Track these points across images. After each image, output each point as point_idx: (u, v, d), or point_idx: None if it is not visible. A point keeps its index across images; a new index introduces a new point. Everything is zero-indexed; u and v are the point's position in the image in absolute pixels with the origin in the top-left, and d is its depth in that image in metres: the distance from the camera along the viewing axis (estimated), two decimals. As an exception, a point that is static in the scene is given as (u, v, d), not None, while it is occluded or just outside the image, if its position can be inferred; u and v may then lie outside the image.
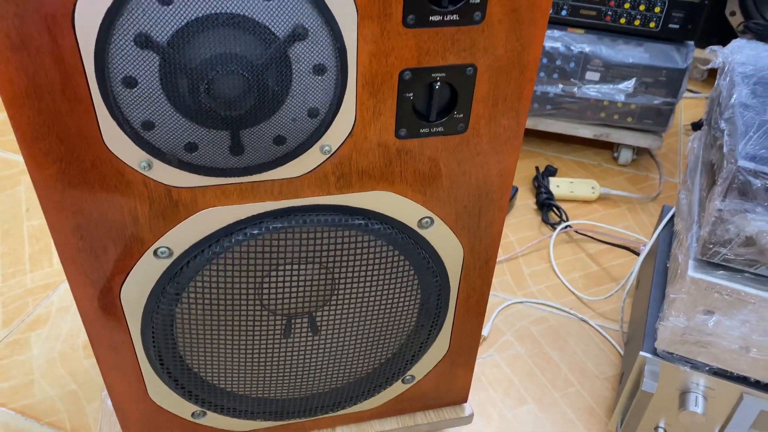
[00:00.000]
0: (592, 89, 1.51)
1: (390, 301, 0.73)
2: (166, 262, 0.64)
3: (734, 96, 0.77)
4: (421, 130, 0.62)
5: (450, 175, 0.66)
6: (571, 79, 1.50)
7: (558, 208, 1.48)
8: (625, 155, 1.63)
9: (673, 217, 1.02)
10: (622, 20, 1.44)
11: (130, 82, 0.52)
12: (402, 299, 0.73)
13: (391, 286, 0.72)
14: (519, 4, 0.56)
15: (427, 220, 0.68)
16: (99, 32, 0.49)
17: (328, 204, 0.65)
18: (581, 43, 1.47)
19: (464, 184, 0.67)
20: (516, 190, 1.50)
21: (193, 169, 0.58)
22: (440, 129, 0.63)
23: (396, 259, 0.69)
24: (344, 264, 0.68)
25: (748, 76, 0.82)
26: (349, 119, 0.59)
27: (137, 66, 0.51)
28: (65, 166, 0.56)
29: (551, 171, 1.60)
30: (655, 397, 0.84)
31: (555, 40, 1.48)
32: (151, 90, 0.52)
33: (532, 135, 1.69)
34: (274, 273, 0.66)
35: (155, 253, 0.63)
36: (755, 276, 0.72)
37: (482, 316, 0.81)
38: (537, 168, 1.59)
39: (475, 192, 0.68)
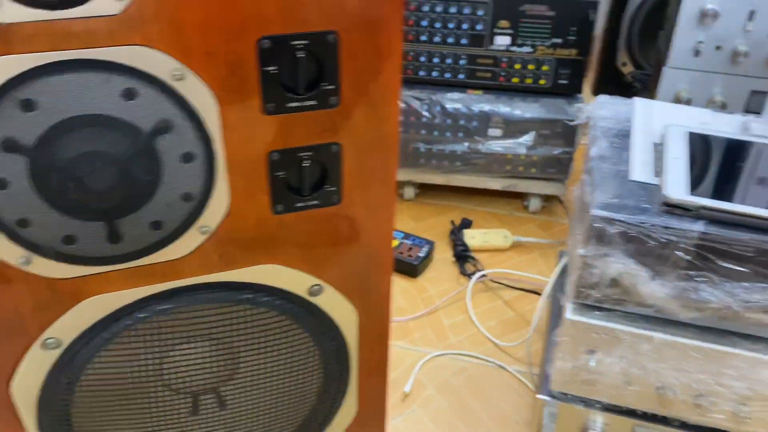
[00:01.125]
0: (496, 144, 1.59)
1: (292, 369, 0.75)
2: (56, 353, 0.65)
3: (594, 149, 0.84)
4: (297, 205, 0.66)
5: (332, 243, 0.70)
6: (475, 137, 1.59)
7: (473, 258, 1.53)
8: (534, 203, 1.71)
9: (567, 261, 1.08)
10: (515, 80, 1.54)
11: (1, 184, 0.54)
12: (304, 366, 0.76)
13: (291, 355, 0.74)
14: (370, 89, 0.62)
15: (317, 287, 0.71)
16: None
17: (214, 282, 0.67)
18: (481, 103, 1.56)
19: (347, 250, 0.71)
20: (432, 244, 1.56)
21: (73, 260, 0.60)
22: (315, 202, 0.67)
23: (291, 328, 0.72)
24: (241, 338, 0.70)
25: (608, 129, 0.90)
26: (224, 200, 0.63)
27: (6, 168, 0.54)
28: (-58, 268, 0.57)
29: (466, 224, 1.66)
30: (557, 438, 0.88)
31: (456, 102, 1.56)
32: (22, 190, 0.55)
33: (446, 190, 1.76)
34: (172, 353, 0.68)
35: (44, 344, 0.64)
36: (626, 314, 0.78)
37: (386, 375, 0.83)
38: (452, 222, 1.65)
39: (358, 257, 0.72)
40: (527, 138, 1.58)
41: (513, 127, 1.58)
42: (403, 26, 0.60)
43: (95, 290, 0.63)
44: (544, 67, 1.53)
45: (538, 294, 1.45)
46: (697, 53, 1.31)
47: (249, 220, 0.65)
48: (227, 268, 0.67)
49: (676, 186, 0.73)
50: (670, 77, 1.37)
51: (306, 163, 0.63)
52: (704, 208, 0.70)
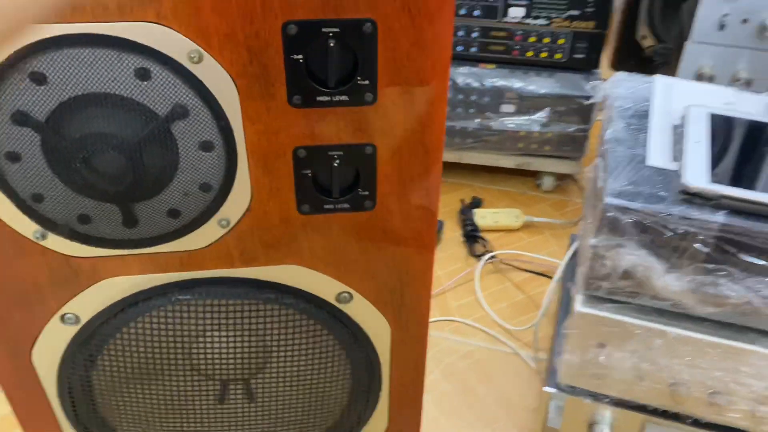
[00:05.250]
0: (509, 121, 1.54)
1: (320, 373, 0.73)
2: (75, 328, 0.65)
3: (609, 131, 0.79)
4: (326, 206, 0.62)
5: (364, 251, 0.65)
6: (487, 113, 1.54)
7: (483, 239, 1.49)
8: (548, 182, 1.67)
9: (579, 246, 1.04)
10: (529, 53, 1.49)
11: (13, 157, 0.54)
12: (331, 373, 0.73)
13: (319, 359, 0.71)
14: (412, 85, 0.55)
15: (346, 295, 0.68)
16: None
17: (234, 277, 0.65)
18: (493, 77, 1.51)
19: (380, 260, 0.66)
20: (442, 224, 1.52)
21: (87, 240, 0.60)
22: (346, 206, 0.62)
23: (318, 332, 0.69)
24: (266, 335, 0.69)
25: (626, 110, 0.85)
26: (245, 194, 0.60)
27: (18, 142, 0.54)
28: (-39, 237, 0.58)
29: (477, 203, 1.62)
30: (563, 431, 0.85)
31: (467, 76, 1.52)
32: (35, 164, 0.55)
33: (457, 168, 1.71)
34: (198, 338, 0.67)
35: (62, 318, 0.65)
36: (638, 306, 0.74)
37: (420, 391, 0.79)
38: (462, 201, 1.61)
39: (393, 268, 0.67)
40: (541, 114, 1.53)
41: (527, 103, 1.53)
42: (454, 16, 0.53)
43: (113, 272, 0.63)
44: (560, 41, 1.47)
45: (549, 277, 1.42)
46: (722, 27, 1.25)
47: (272, 218, 0.62)
48: (247, 265, 0.64)
49: (696, 173, 0.69)
50: (692, 52, 1.31)
51: (336, 164, 0.58)
52: (726, 197, 0.66)
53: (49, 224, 0.58)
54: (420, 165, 0.60)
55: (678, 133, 0.80)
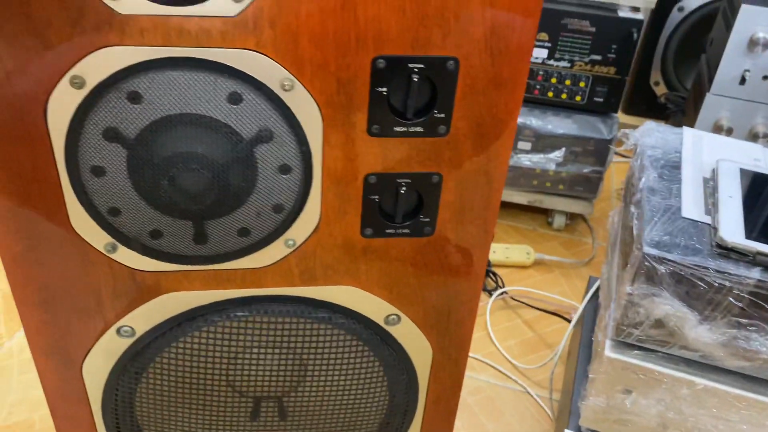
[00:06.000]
0: (525, 158, 1.57)
1: (357, 395, 0.75)
2: (129, 341, 0.67)
3: (643, 179, 0.82)
4: (387, 231, 0.65)
5: (417, 276, 0.69)
6: (504, 149, 1.55)
7: (494, 274, 1.50)
8: (559, 220, 1.69)
9: (598, 289, 1.06)
10: (550, 94, 1.52)
11: (98, 171, 0.57)
12: (370, 394, 0.76)
13: (359, 380, 0.74)
14: (483, 120, 0.60)
15: (394, 317, 0.71)
16: (70, 124, 0.54)
17: (291, 295, 0.68)
18: (513, 114, 1.53)
19: (432, 284, 0.70)
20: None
21: (157, 255, 0.62)
22: (406, 231, 0.65)
23: (363, 353, 0.72)
24: (310, 353, 0.71)
25: (657, 159, 0.87)
26: (314, 216, 0.63)
27: (106, 157, 0.56)
28: (33, 243, 0.59)
29: (488, 237, 1.63)
30: (582, 474, 0.86)
31: (487, 112, 1.53)
32: (118, 179, 0.57)
33: (469, 201, 1.73)
34: (242, 355, 0.69)
35: (118, 331, 0.67)
36: (667, 355, 0.75)
37: (453, 416, 0.82)
38: (474, 234, 1.62)
39: (443, 293, 0.71)
40: (557, 154, 1.56)
41: (543, 142, 1.56)
42: (531, 58, 0.57)
43: (174, 287, 0.65)
44: (581, 84, 1.51)
45: (560, 316, 1.43)
46: (742, 81, 1.29)
47: (336, 240, 0.65)
48: (306, 284, 0.67)
49: (732, 228, 0.71)
50: (712, 104, 1.35)
51: (403, 190, 0.62)
52: (762, 253, 0.68)
53: (121, 238, 0.60)
54: (481, 195, 0.64)
55: (708, 186, 0.82)
